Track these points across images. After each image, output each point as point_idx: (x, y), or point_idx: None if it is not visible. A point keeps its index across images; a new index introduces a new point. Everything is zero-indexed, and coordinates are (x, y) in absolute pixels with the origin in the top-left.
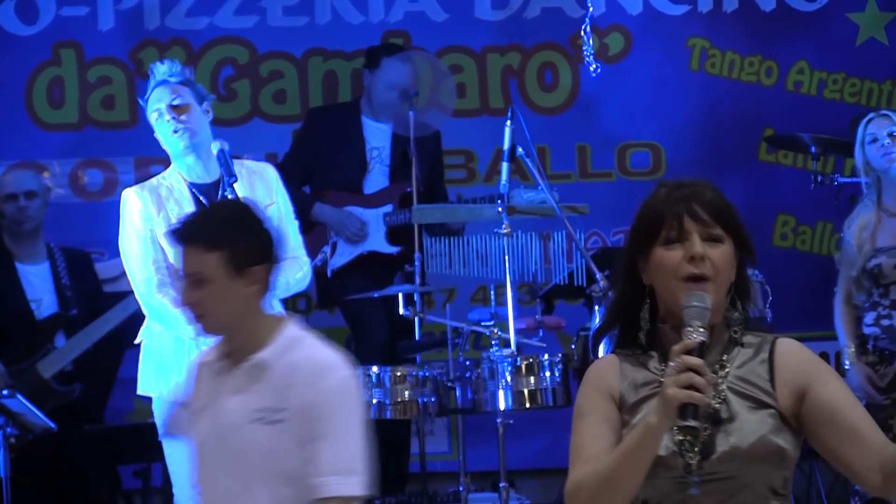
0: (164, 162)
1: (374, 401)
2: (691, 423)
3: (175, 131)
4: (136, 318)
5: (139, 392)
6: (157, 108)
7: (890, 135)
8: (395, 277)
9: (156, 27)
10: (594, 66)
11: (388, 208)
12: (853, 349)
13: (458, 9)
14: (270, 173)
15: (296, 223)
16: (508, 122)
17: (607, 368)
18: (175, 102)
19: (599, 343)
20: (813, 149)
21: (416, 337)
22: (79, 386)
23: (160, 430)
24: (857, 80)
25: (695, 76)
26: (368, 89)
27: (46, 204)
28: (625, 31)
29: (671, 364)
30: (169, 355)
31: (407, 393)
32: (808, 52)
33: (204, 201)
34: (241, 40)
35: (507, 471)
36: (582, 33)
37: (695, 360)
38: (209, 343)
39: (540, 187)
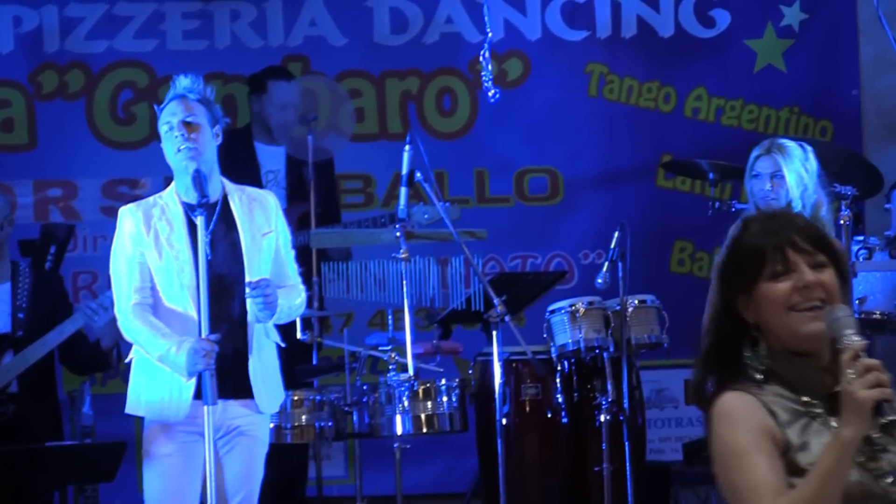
0: (63, 185)
1: (272, 425)
2: (893, 416)
3: (179, 150)
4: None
5: (127, 411)
6: (168, 121)
7: (772, 176)
8: None
9: (55, 50)
10: (493, 91)
11: None
12: None
13: (358, 33)
14: (271, 201)
15: (293, 252)
16: (407, 147)
17: (751, 405)
18: (188, 119)
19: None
20: (710, 175)
21: (314, 361)
22: (12, 407)
23: (145, 451)
24: (754, 106)
25: (593, 102)
26: (259, 114)
27: (12, 223)
28: (523, 57)
29: (848, 372)
30: (157, 376)
31: (304, 417)
32: (707, 79)
33: (196, 222)
34: (141, 64)
35: (404, 495)
36: (481, 59)
37: (872, 360)
38: (187, 367)
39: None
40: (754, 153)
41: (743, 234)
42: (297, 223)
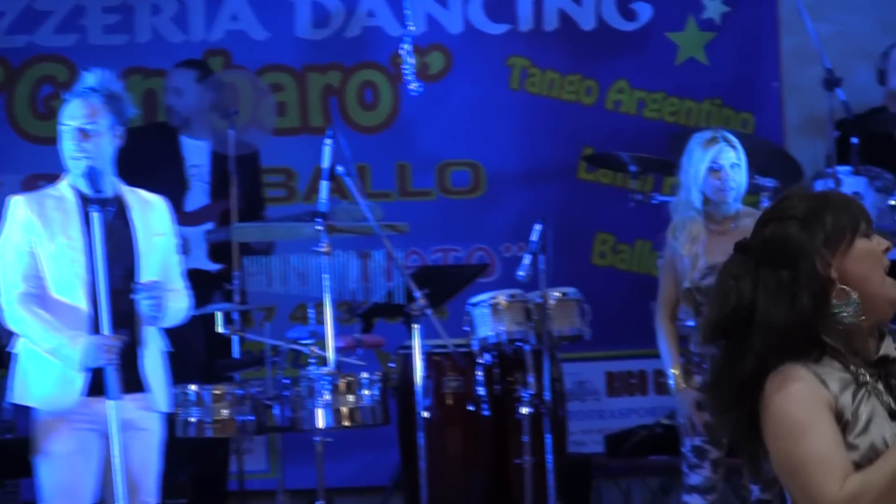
0: None
1: (193, 419)
2: None
3: (74, 158)
4: None
5: (14, 401)
6: (67, 123)
7: (732, 167)
8: (214, 295)
9: None
10: (414, 84)
11: (210, 226)
12: (679, 373)
13: (279, 28)
14: (163, 205)
15: (179, 257)
16: (328, 141)
17: (810, 379)
18: (86, 128)
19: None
20: (632, 168)
21: (236, 355)
22: None
23: (38, 445)
24: (676, 99)
25: (515, 95)
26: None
27: None
28: (445, 51)
29: None
30: (46, 368)
31: (226, 411)
32: (628, 72)
33: (92, 216)
34: (61, 59)
35: (326, 489)
36: (402, 52)
37: None
38: (83, 362)
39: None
40: (704, 145)
41: (837, 196)
42: (220, 219)
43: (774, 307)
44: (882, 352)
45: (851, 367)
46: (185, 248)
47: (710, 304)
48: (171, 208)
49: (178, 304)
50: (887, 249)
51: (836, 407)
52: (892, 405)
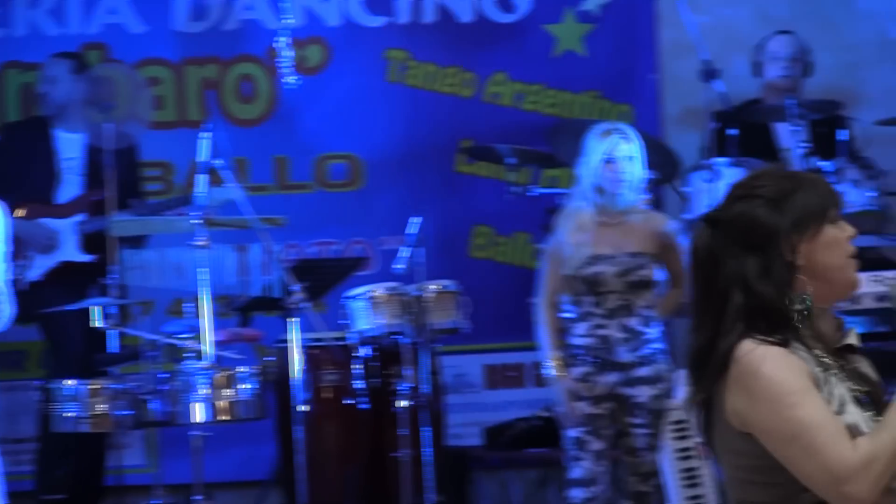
0: None
1: (70, 414)
2: None
3: None
4: None
5: None
6: None
7: (629, 159)
8: (92, 289)
9: None
10: (292, 78)
11: (82, 217)
12: (557, 361)
13: (157, 21)
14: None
15: (5, 265)
16: (206, 134)
17: (789, 351)
18: None
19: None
20: (510, 160)
21: (113, 349)
22: None
23: None
24: (554, 91)
25: (393, 88)
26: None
27: None
28: (323, 43)
29: None
30: None
31: (103, 406)
32: (506, 64)
33: None
34: None
35: (204, 483)
36: (279, 45)
37: None
38: None
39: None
40: (600, 137)
41: (808, 177)
42: (94, 209)
43: (739, 287)
44: (846, 341)
45: (815, 351)
46: (53, 241)
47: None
48: (8, 212)
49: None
50: (853, 236)
51: (814, 381)
52: (858, 393)
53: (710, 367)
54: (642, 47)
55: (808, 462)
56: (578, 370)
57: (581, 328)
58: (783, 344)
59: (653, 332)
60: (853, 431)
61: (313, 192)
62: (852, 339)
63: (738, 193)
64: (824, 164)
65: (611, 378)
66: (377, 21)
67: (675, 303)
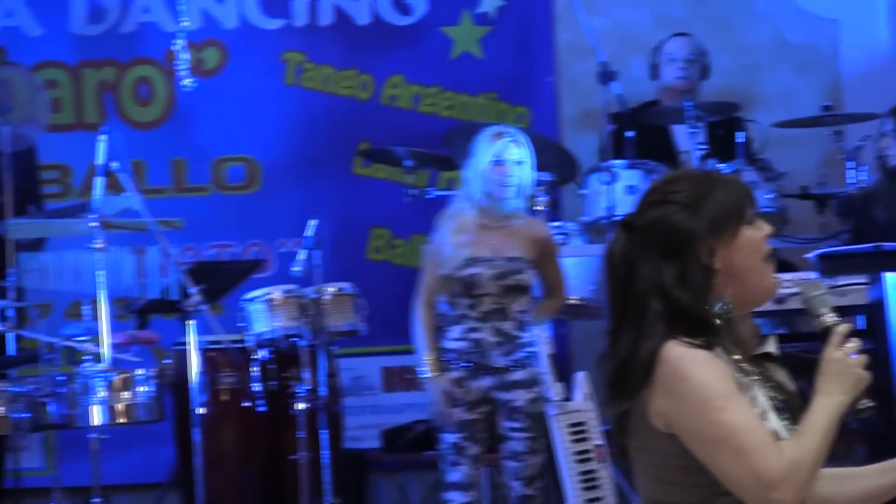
0: None
1: None
2: (871, 403)
3: None
4: None
5: None
6: None
7: (517, 163)
8: None
9: None
10: (188, 80)
11: None
12: (432, 360)
13: (54, 24)
14: None
15: None
16: (103, 137)
17: (713, 355)
18: None
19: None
20: (407, 162)
21: (11, 352)
22: None
23: None
24: (451, 93)
25: (290, 90)
26: None
27: None
28: (220, 46)
29: (849, 346)
30: None
31: (0, 409)
32: (404, 66)
33: None
34: None
35: (102, 486)
36: (176, 48)
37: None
38: None
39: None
40: (490, 140)
41: (723, 179)
42: None
43: (656, 294)
44: (763, 349)
45: (735, 357)
46: None
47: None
48: None
49: None
50: (769, 235)
51: (738, 386)
52: (776, 401)
53: (633, 375)
54: (539, 49)
55: (735, 466)
56: (452, 374)
57: (455, 331)
58: (707, 347)
59: (527, 336)
60: (777, 438)
61: (211, 195)
62: (770, 347)
63: (652, 198)
64: (722, 167)
65: (485, 382)
66: (274, 24)
67: (551, 309)
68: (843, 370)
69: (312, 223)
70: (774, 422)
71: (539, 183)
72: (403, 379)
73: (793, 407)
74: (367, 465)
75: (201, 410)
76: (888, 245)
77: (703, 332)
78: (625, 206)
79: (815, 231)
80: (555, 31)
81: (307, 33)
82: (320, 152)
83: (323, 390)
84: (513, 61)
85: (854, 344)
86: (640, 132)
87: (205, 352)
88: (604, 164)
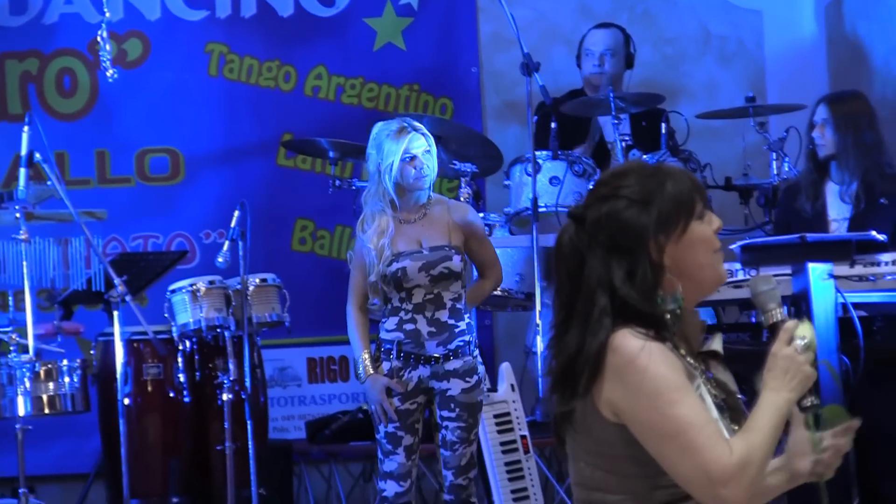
0: None
1: None
2: (816, 400)
3: None
4: None
5: None
6: None
7: (425, 154)
8: None
9: None
10: (111, 71)
11: None
12: (368, 359)
13: None
14: None
15: None
16: (26, 128)
17: (666, 348)
18: None
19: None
20: (331, 153)
21: None
22: None
23: None
24: (374, 85)
25: (213, 81)
26: None
27: None
28: (143, 37)
29: (797, 342)
30: None
31: None
32: (327, 58)
33: None
34: None
35: (28, 476)
36: (99, 39)
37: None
38: None
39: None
40: (395, 136)
41: (672, 173)
42: None
43: (604, 289)
44: (709, 347)
45: (682, 351)
46: None
47: (552, 280)
48: None
49: None
50: (719, 228)
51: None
52: (719, 400)
53: (581, 372)
54: (463, 41)
55: (685, 461)
56: (387, 365)
57: (390, 323)
58: (661, 340)
59: (462, 324)
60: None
61: (134, 186)
62: (717, 346)
63: (602, 192)
64: (646, 157)
65: (421, 372)
66: (197, 15)
67: (483, 292)
68: (791, 366)
69: (236, 214)
70: (719, 420)
71: (462, 174)
72: (328, 370)
73: (733, 407)
74: (293, 455)
75: (126, 401)
76: (812, 236)
77: (653, 326)
78: (548, 196)
79: (738, 222)
80: (478, 23)
81: (230, 24)
82: (244, 143)
83: (248, 381)
84: (436, 52)
85: (802, 340)
86: (564, 123)
87: (129, 342)
88: (527, 156)
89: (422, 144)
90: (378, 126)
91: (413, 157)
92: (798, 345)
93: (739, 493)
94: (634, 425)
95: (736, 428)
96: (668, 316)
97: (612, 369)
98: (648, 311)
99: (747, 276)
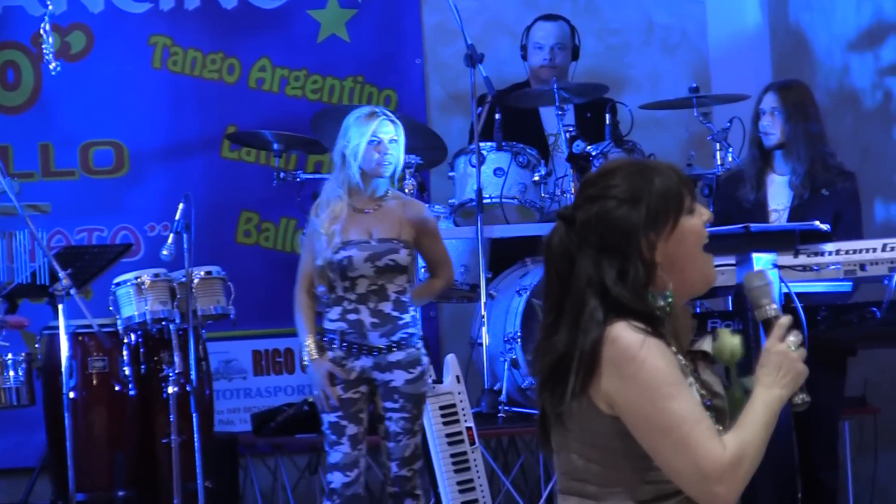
0: None
1: None
2: (807, 398)
3: None
4: None
5: None
6: None
7: (390, 141)
8: None
9: None
10: (54, 64)
11: None
12: (313, 344)
13: None
14: None
15: None
16: None
17: (664, 343)
18: None
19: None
20: (275, 146)
21: None
22: None
23: None
24: (318, 77)
25: (157, 74)
26: None
27: None
28: (86, 30)
29: (791, 339)
30: None
31: None
32: (271, 50)
33: None
34: None
35: None
36: (42, 32)
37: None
38: None
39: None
40: (364, 120)
41: (659, 169)
42: None
43: (594, 290)
44: (698, 347)
45: (673, 349)
46: None
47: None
48: None
49: None
50: (708, 220)
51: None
52: (706, 400)
53: (576, 369)
54: (406, 32)
55: (679, 456)
56: (330, 355)
57: (333, 313)
58: (657, 335)
59: (406, 316)
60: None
61: (78, 179)
62: (706, 347)
63: (590, 192)
64: (590, 148)
65: (363, 362)
66: (140, 7)
67: (433, 290)
68: (784, 363)
69: (181, 207)
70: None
71: (407, 165)
72: (274, 362)
73: (718, 409)
74: (239, 448)
75: (72, 395)
76: (756, 226)
77: (649, 323)
78: (493, 188)
79: None
80: (422, 14)
81: (174, 17)
82: (188, 136)
83: (194, 374)
84: (380, 44)
85: (795, 337)
86: (509, 114)
87: (75, 336)
88: (472, 147)
89: (389, 131)
90: (351, 113)
91: (379, 142)
92: (791, 341)
93: (732, 490)
94: (629, 418)
95: (721, 429)
96: (660, 312)
97: (609, 361)
98: (642, 308)
99: None
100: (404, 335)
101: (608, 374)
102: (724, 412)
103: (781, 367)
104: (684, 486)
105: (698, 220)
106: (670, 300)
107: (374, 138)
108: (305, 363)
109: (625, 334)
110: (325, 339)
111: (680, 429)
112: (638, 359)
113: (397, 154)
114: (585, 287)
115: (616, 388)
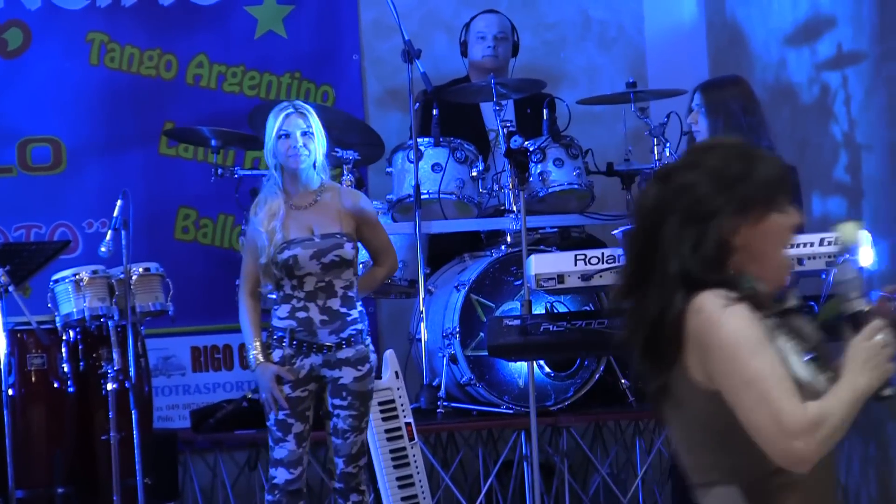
0: None
1: None
2: (894, 391)
3: None
4: None
5: None
6: None
7: (303, 134)
8: None
9: None
10: None
11: None
12: (259, 348)
13: None
14: None
15: None
16: None
17: (745, 307)
18: None
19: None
20: (213, 142)
21: None
22: None
23: None
24: (256, 72)
25: (95, 70)
26: None
27: None
28: (23, 26)
29: (880, 337)
30: None
31: None
32: (208, 46)
33: None
34: None
35: None
36: None
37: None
38: None
39: None
40: (275, 114)
41: (765, 159)
42: None
43: (673, 254)
44: (786, 305)
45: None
46: None
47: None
48: None
49: None
50: (796, 224)
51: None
52: (802, 348)
53: (666, 337)
54: (344, 28)
55: (760, 410)
56: (279, 353)
57: (282, 311)
58: (741, 301)
59: (354, 312)
60: (805, 387)
61: (16, 176)
62: (792, 302)
63: (688, 160)
64: (528, 144)
65: (313, 360)
66: (78, 4)
67: (377, 279)
68: (871, 357)
69: (119, 203)
70: (800, 366)
71: (345, 161)
72: (213, 358)
73: (822, 354)
74: (178, 444)
75: (10, 392)
76: None
77: (730, 292)
78: (430, 183)
79: (621, 208)
80: (359, 10)
81: (111, 13)
82: (126, 132)
83: (132, 371)
84: (317, 40)
85: (885, 336)
86: (448, 110)
87: (12, 333)
88: (409, 142)
89: (299, 124)
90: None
91: (287, 135)
92: (880, 340)
93: (811, 449)
94: (718, 379)
95: (829, 374)
96: (740, 294)
97: (694, 331)
98: (716, 279)
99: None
100: (353, 331)
101: (695, 346)
102: (829, 357)
103: (868, 360)
104: (763, 441)
105: (788, 221)
106: (751, 284)
107: (281, 132)
108: (252, 366)
109: (709, 302)
110: (275, 336)
111: (763, 383)
112: (721, 323)
113: (312, 147)
114: (668, 251)
115: (702, 356)
